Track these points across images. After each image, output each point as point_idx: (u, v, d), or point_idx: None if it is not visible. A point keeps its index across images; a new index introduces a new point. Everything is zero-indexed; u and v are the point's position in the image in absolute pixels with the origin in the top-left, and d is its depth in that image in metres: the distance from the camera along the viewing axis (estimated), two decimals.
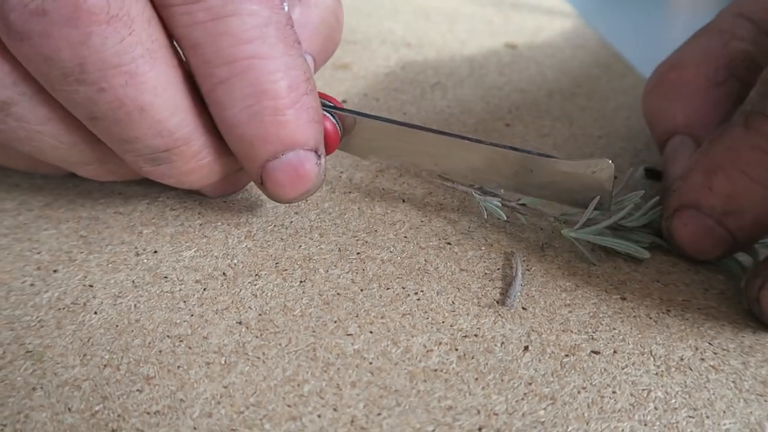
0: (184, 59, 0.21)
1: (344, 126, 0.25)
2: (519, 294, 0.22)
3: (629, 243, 0.23)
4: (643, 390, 0.19)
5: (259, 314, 0.21)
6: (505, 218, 0.25)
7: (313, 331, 0.21)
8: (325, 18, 0.26)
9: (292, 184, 0.22)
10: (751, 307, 0.21)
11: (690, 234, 0.23)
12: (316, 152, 0.22)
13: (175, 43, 0.20)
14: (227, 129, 0.21)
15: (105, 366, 0.19)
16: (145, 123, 0.20)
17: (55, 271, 0.23)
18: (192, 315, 0.21)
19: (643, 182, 0.28)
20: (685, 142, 0.25)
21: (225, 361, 0.19)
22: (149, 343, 0.20)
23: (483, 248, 0.24)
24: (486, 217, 0.25)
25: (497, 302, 0.22)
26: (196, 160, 0.22)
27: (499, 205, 0.25)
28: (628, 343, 0.21)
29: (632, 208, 0.24)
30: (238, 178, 0.25)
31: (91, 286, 0.22)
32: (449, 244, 0.25)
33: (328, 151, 0.24)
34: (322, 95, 0.24)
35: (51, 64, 0.18)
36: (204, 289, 0.22)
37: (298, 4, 0.25)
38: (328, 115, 0.24)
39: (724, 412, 0.18)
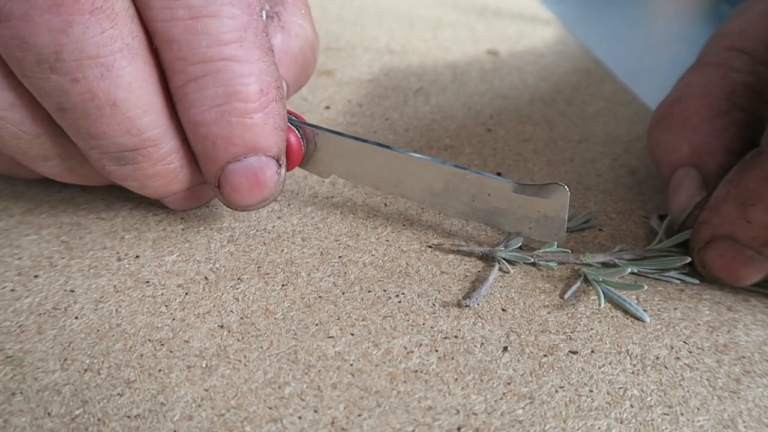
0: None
1: (307, 143, 0.25)
2: (482, 296, 0.22)
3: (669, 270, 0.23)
4: (620, 388, 0.19)
5: (241, 318, 0.21)
6: (533, 263, 0.24)
7: (295, 334, 0.21)
8: (304, 49, 0.26)
9: (250, 189, 0.22)
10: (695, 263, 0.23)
11: (727, 264, 0.22)
12: (277, 161, 0.22)
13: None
14: (192, 127, 0.21)
15: (86, 370, 0.19)
16: (115, 119, 0.20)
17: (36, 276, 0.23)
18: (173, 319, 0.21)
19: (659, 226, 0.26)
20: (689, 173, 0.25)
21: (206, 365, 0.19)
22: (130, 347, 0.20)
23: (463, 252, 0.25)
24: (511, 271, 0.24)
25: (458, 302, 0.22)
26: (162, 164, 0.21)
27: (522, 256, 0.24)
28: (605, 343, 0.21)
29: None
30: (202, 191, 0.24)
31: (73, 291, 0.22)
32: (430, 247, 0.25)
33: (290, 166, 0.24)
34: (287, 111, 0.23)
35: (26, 48, 0.18)
36: (186, 294, 0.22)
37: (280, 31, 0.25)
38: (293, 128, 0.24)
39: (698, 409, 0.19)
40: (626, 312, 0.22)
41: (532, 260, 0.24)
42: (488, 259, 0.24)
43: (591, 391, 0.19)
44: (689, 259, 0.23)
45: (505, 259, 0.24)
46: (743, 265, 0.22)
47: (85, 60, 0.18)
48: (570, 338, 0.21)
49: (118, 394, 0.18)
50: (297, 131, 0.24)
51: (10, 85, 0.20)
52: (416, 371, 0.20)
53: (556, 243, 0.24)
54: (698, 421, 0.18)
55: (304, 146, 0.25)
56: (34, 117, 0.21)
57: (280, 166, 0.22)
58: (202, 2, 0.19)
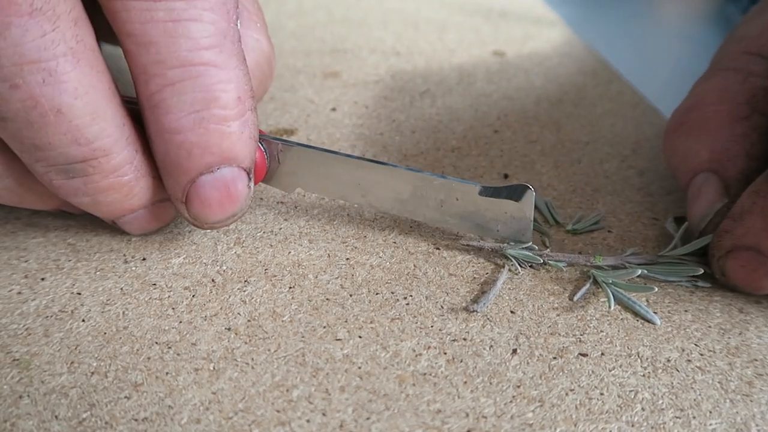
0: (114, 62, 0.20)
1: (271, 157, 0.24)
2: (490, 301, 0.22)
3: (679, 272, 0.23)
4: (631, 391, 0.19)
5: (248, 320, 0.21)
6: (542, 262, 0.24)
7: (302, 337, 0.21)
8: (260, 63, 0.26)
9: (221, 203, 0.21)
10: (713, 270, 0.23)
11: (749, 275, 0.22)
12: (248, 174, 0.21)
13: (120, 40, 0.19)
14: (166, 135, 0.20)
15: (93, 373, 0.19)
16: (60, 127, 0.18)
17: (42, 279, 0.22)
18: (180, 322, 0.21)
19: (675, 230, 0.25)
20: (708, 179, 0.24)
21: (214, 368, 0.19)
22: (137, 350, 0.20)
23: (471, 253, 0.25)
24: (520, 271, 0.24)
25: (465, 306, 0.22)
26: (115, 176, 0.20)
27: (531, 255, 0.24)
28: (615, 346, 0.21)
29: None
30: (162, 210, 0.23)
31: (79, 293, 0.22)
32: (438, 249, 0.25)
33: (255, 180, 0.23)
34: None
35: None
36: (193, 296, 0.22)
37: None
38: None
39: (711, 412, 0.19)
40: (636, 314, 0.22)
41: (542, 260, 0.24)
42: (497, 255, 0.24)
43: (601, 394, 0.19)
44: (701, 271, 0.23)
45: (513, 257, 0.24)
46: (765, 275, 0.22)
47: (25, 65, 0.17)
48: (580, 341, 0.21)
49: (125, 397, 0.18)
50: (261, 145, 0.24)
51: None
52: (425, 374, 0.19)
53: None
54: (710, 425, 0.18)
55: (267, 160, 0.24)
56: None
57: (250, 179, 0.21)
58: (183, 5, 0.19)
